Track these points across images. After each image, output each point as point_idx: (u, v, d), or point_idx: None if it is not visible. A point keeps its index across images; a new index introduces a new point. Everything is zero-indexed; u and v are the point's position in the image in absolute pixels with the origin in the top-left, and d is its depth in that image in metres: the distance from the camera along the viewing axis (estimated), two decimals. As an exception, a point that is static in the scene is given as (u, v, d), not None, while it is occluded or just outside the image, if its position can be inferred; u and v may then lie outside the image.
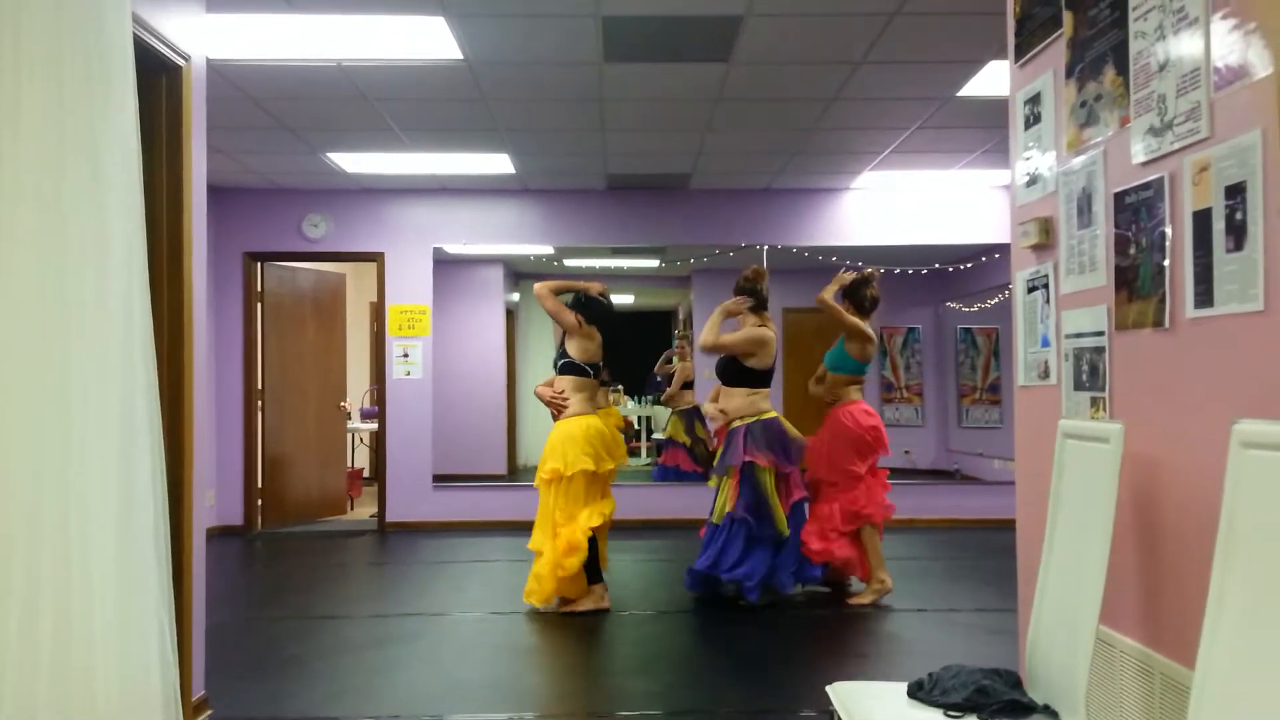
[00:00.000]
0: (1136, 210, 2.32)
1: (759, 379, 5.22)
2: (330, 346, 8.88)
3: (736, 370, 5.27)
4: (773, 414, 5.21)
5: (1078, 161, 2.61)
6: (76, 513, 2.13)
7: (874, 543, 5.36)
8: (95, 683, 2.15)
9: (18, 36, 2.06)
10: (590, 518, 4.99)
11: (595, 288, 5.26)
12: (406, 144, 6.56)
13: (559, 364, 5.23)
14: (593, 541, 5.02)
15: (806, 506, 5.33)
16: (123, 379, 2.25)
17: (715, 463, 5.39)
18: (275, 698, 3.78)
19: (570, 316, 5.12)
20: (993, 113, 5.68)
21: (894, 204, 8.14)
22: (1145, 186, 2.28)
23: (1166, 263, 2.20)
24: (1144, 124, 2.28)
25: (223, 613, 4.96)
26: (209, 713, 3.54)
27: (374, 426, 8.73)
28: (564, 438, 5.03)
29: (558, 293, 5.16)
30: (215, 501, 7.86)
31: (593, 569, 5.08)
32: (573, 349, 5.17)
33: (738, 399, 5.25)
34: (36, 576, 2.07)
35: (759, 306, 5.31)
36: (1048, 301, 2.80)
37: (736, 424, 5.21)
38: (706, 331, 5.26)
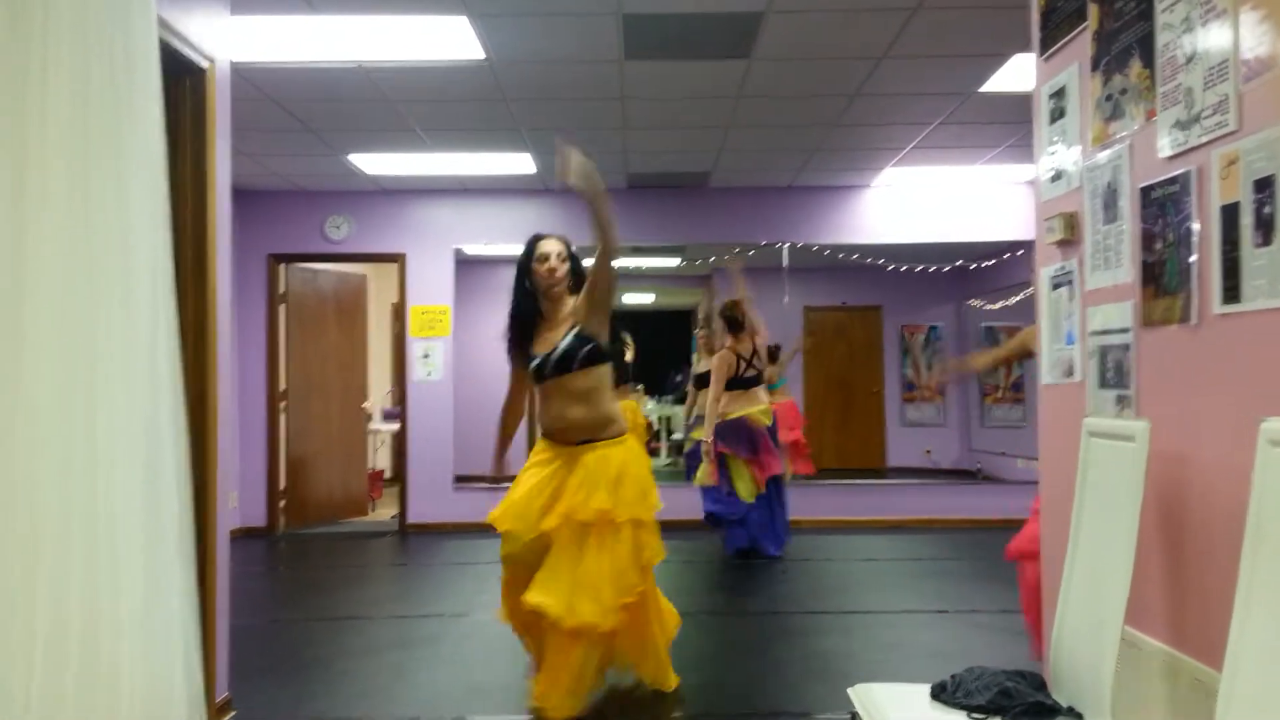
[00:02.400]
0: (1163, 205, 2.29)
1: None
2: (352, 347, 8.92)
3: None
4: (741, 414, 6.39)
5: (1103, 156, 2.58)
6: (103, 515, 2.14)
7: None
8: (121, 684, 2.16)
9: (45, 40, 2.07)
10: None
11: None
12: (428, 145, 6.58)
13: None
14: None
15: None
16: (148, 381, 2.26)
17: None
18: (299, 699, 3.81)
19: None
20: (1016, 107, 5.62)
21: (916, 201, 8.08)
22: (1172, 181, 2.25)
23: (1193, 258, 2.16)
24: (1170, 117, 2.25)
25: (246, 614, 4.99)
26: (233, 714, 3.57)
27: (395, 427, 8.77)
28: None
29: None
30: (238, 503, 7.91)
31: None
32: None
33: (742, 401, 6.42)
34: (64, 579, 2.08)
35: (738, 329, 6.45)
36: (1073, 298, 2.77)
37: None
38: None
